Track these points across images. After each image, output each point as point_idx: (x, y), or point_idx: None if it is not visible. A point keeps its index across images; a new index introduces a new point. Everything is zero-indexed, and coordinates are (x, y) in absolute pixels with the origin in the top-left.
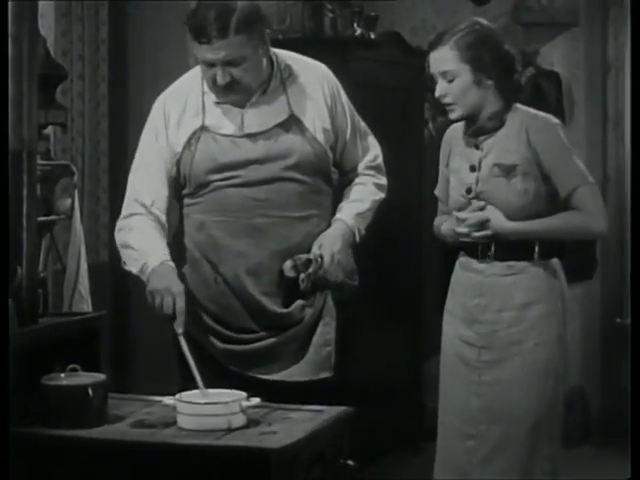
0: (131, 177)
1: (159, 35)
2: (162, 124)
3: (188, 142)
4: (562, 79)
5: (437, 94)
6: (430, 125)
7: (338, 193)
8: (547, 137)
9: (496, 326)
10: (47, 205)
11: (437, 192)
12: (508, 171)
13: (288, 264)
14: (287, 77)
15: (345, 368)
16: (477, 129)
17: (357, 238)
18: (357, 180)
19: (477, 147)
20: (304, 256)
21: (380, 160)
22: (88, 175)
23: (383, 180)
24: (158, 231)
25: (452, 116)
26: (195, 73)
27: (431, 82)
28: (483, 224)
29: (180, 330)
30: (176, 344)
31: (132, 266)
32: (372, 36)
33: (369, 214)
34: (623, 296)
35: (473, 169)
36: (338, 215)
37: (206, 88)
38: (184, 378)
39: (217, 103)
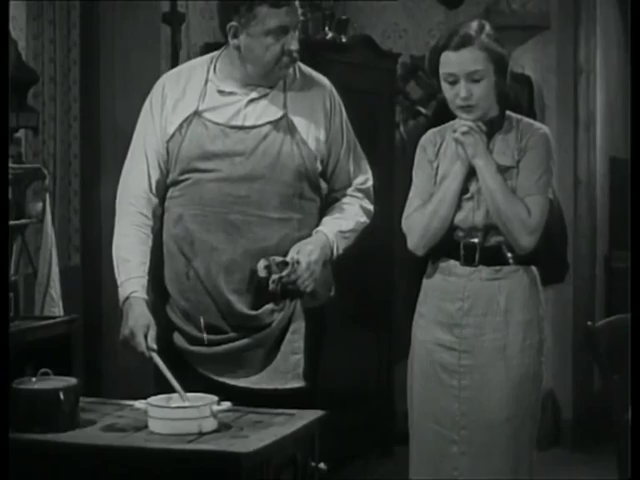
0: (127, 163)
1: (131, 37)
2: (158, 104)
3: (180, 126)
4: (533, 82)
5: (463, 95)
6: (401, 128)
7: (325, 207)
8: (532, 143)
9: (481, 330)
10: (18, 208)
11: (416, 197)
12: (505, 172)
13: (261, 264)
14: (291, 81)
15: (316, 375)
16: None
17: (334, 255)
18: (345, 200)
19: None
20: (280, 258)
21: (370, 185)
22: (59, 178)
23: (370, 206)
24: (140, 236)
25: (469, 117)
26: (201, 61)
27: (403, 85)
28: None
29: (155, 347)
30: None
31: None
32: (343, 39)
33: (351, 235)
34: (594, 299)
35: (471, 170)
36: (320, 228)
37: (211, 75)
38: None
39: (220, 92)
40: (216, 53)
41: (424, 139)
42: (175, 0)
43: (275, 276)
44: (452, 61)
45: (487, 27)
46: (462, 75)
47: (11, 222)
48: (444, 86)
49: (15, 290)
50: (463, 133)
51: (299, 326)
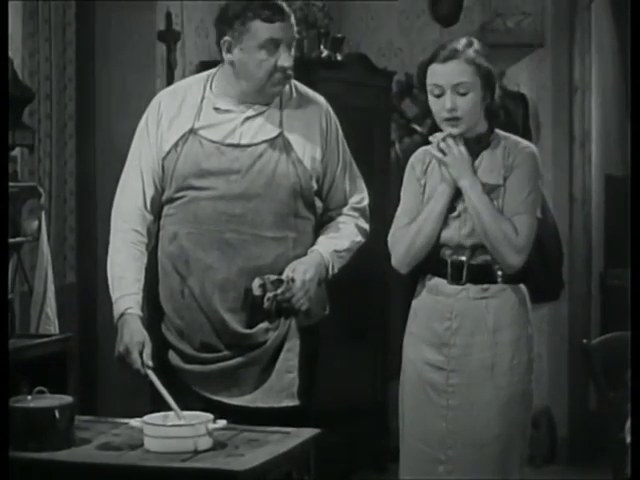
0: (122, 180)
1: (126, 55)
2: (154, 121)
3: (176, 143)
4: (528, 100)
5: (448, 106)
6: (396, 146)
7: (320, 226)
8: (519, 161)
9: (469, 349)
10: (14, 227)
11: (405, 218)
12: (491, 190)
13: (256, 282)
14: (287, 99)
15: (311, 393)
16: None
17: (329, 274)
18: (340, 219)
19: None
20: (274, 276)
21: (366, 204)
22: (55, 196)
23: (366, 225)
24: (134, 253)
25: (454, 131)
26: (198, 79)
27: (398, 103)
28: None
29: (150, 364)
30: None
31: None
32: (338, 57)
33: (346, 255)
34: (590, 317)
35: (457, 188)
36: (316, 247)
37: (207, 93)
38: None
39: (216, 109)
40: (213, 71)
41: (414, 157)
42: None
43: (270, 294)
44: (438, 73)
45: (475, 43)
46: (448, 87)
47: None
48: (431, 99)
49: (11, 308)
50: (441, 141)
51: (294, 344)
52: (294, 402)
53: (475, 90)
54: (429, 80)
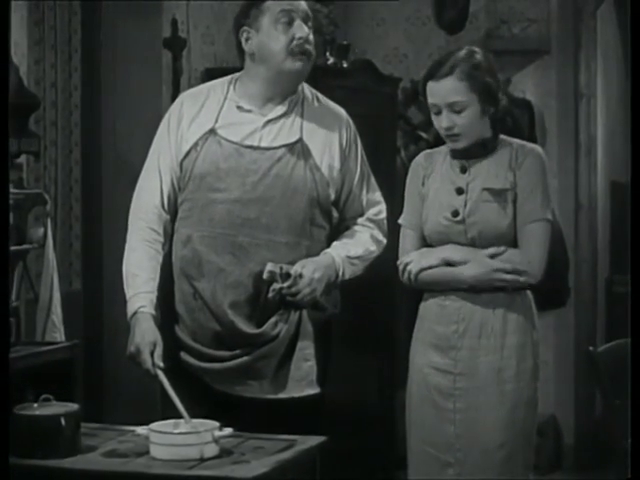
0: (141, 179)
1: (132, 62)
2: (175, 121)
3: (195, 143)
4: (534, 107)
5: (444, 125)
6: (402, 153)
7: (334, 235)
8: (528, 164)
9: (476, 352)
10: (20, 234)
11: (404, 220)
12: (498, 195)
13: (269, 267)
14: (309, 107)
15: (326, 380)
16: (467, 153)
17: (339, 278)
18: (355, 227)
19: (463, 171)
20: (287, 268)
21: (383, 216)
22: (61, 203)
23: (381, 236)
24: (149, 252)
25: (457, 146)
26: (222, 81)
27: (404, 109)
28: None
29: (161, 364)
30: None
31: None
32: (344, 64)
33: (358, 263)
34: (596, 323)
35: (460, 192)
36: (329, 250)
37: (230, 94)
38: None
39: (239, 107)
40: (237, 74)
41: (415, 163)
42: (177, 1)
43: (276, 286)
44: (434, 92)
45: (476, 55)
46: (443, 105)
47: (12, 247)
48: (432, 116)
49: (16, 316)
50: None
51: (308, 333)
52: (315, 390)
53: (472, 106)
54: (428, 98)
